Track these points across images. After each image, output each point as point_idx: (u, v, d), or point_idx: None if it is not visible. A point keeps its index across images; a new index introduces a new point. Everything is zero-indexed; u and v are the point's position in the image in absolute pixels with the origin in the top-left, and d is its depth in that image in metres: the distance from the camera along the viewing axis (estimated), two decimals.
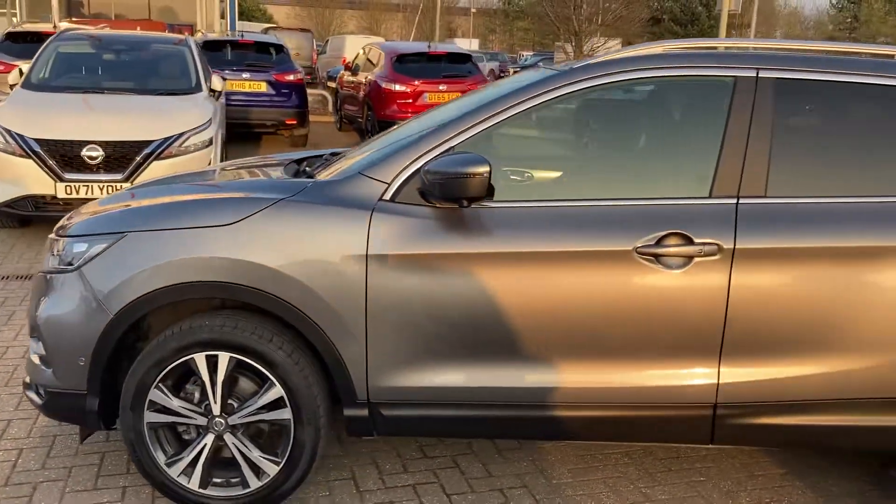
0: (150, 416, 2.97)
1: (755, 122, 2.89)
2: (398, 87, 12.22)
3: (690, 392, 2.90)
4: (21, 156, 6.64)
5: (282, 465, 3.00)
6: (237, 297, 2.88)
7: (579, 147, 3.60)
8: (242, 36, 14.03)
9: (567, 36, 30.12)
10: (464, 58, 13.31)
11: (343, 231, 2.85)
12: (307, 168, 3.55)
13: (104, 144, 6.69)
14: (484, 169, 2.70)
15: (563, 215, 2.87)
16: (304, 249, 2.85)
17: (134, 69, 8.36)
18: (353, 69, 14.68)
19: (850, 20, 61.65)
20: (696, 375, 2.89)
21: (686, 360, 2.88)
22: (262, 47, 13.29)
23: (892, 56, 3.20)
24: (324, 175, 3.18)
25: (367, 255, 2.84)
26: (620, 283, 2.82)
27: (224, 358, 2.91)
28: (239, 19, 44.25)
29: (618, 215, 2.86)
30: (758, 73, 2.94)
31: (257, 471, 3.02)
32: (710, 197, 2.88)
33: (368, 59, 13.90)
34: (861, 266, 2.81)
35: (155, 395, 2.94)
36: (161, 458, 3.01)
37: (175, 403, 2.96)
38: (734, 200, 2.85)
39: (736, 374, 2.88)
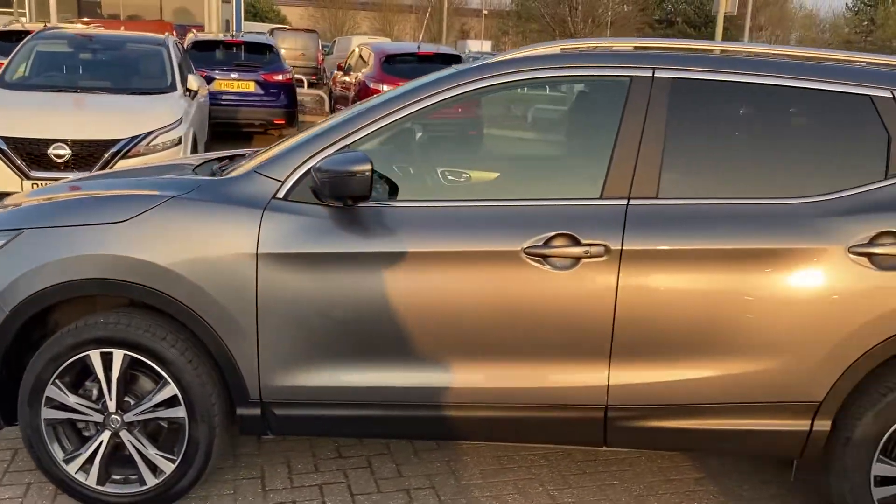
0: (47, 413, 2.97)
1: (649, 123, 2.87)
2: (385, 88, 12.22)
3: (581, 394, 2.87)
4: None
5: (177, 462, 3.01)
6: (128, 295, 2.89)
7: (475, 148, 3.58)
8: (233, 36, 14.09)
9: (564, 38, 30.12)
10: (453, 58, 13.30)
11: (234, 229, 2.85)
12: (220, 166, 3.55)
13: (71, 143, 6.73)
14: (365, 167, 2.70)
15: (454, 216, 2.86)
16: (194, 247, 2.85)
17: (110, 68, 8.40)
18: (345, 69, 14.72)
19: (866, 23, 61.07)
20: (587, 377, 2.86)
21: (576, 362, 2.86)
22: (252, 48, 13.35)
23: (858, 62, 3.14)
24: (227, 173, 3.18)
25: (257, 253, 2.83)
26: (509, 283, 2.80)
27: (118, 355, 2.92)
28: (253, 20, 44.49)
29: (508, 216, 2.84)
30: (653, 73, 2.91)
31: (154, 468, 3.02)
32: (600, 198, 2.85)
33: (361, 59, 13.93)
34: (750, 268, 2.77)
35: (52, 391, 2.95)
36: (59, 455, 3.02)
37: (71, 400, 2.97)
38: (625, 202, 2.83)
39: (625, 376, 2.85)
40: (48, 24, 11.61)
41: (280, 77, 12.70)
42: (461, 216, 2.86)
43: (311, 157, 2.91)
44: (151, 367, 2.94)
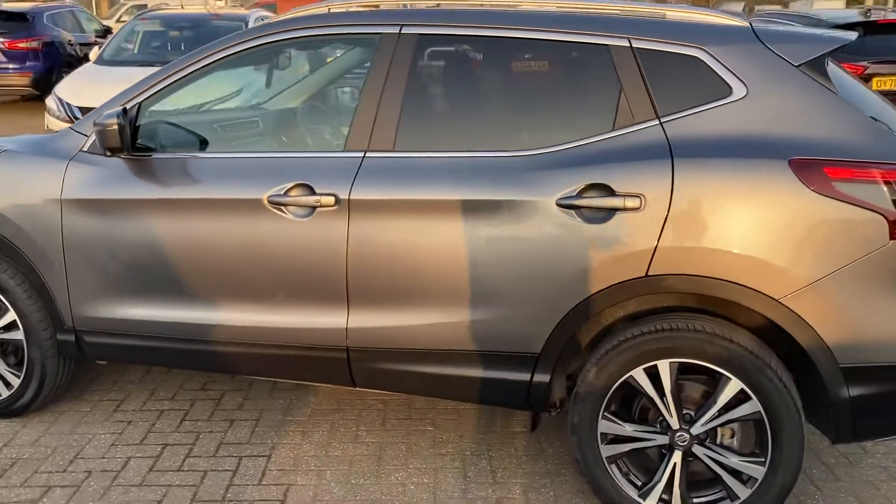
0: None
1: (391, 79, 2.95)
2: None
3: (326, 336, 3.05)
4: (67, 122, 7.66)
5: (21, 378, 3.52)
6: None
7: (241, 105, 3.77)
8: None
9: None
10: None
11: (45, 178, 3.30)
12: None
13: None
14: (110, 123, 3.02)
15: (214, 167, 3.12)
16: (17, 193, 3.34)
17: (195, 45, 9.22)
18: None
19: None
20: (329, 320, 3.03)
21: (319, 305, 3.03)
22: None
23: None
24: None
25: (61, 199, 3.25)
26: (256, 230, 3.03)
27: None
28: None
29: (258, 168, 3.07)
30: (400, 30, 2.99)
31: (7, 383, 3.55)
32: (343, 151, 3.00)
33: None
34: (469, 220, 2.80)
35: None
36: None
37: None
38: (361, 154, 2.96)
39: (361, 320, 2.99)
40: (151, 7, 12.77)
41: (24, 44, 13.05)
42: (219, 167, 3.12)
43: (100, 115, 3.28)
44: None
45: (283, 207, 2.98)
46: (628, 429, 2.82)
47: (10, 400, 3.57)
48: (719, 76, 2.73)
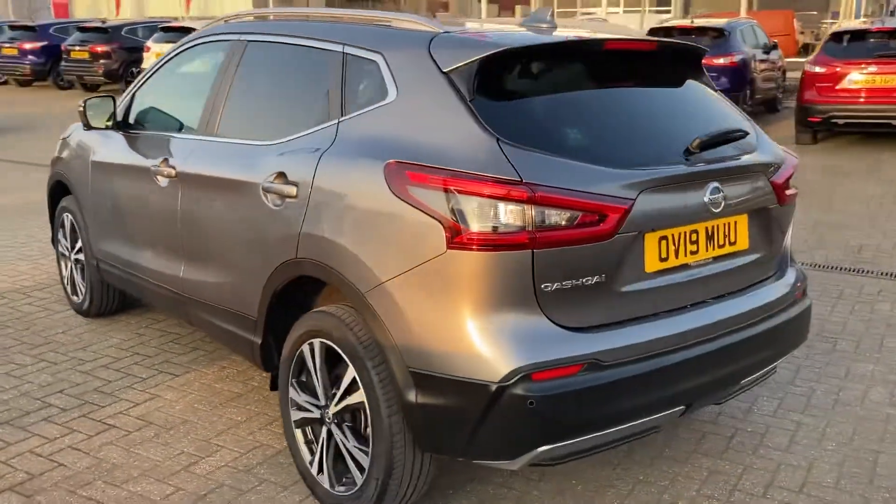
0: None
1: (222, 77, 3.62)
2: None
3: (174, 281, 3.83)
4: None
5: (84, 291, 4.92)
6: None
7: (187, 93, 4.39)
8: None
9: None
10: None
11: (88, 144, 4.61)
12: None
13: None
14: (81, 106, 4.18)
15: (142, 141, 4.11)
16: (73, 153, 4.72)
17: None
18: None
19: None
20: (176, 267, 3.81)
21: (172, 254, 3.83)
22: None
23: None
24: None
25: (90, 161, 4.52)
26: (149, 193, 3.93)
27: None
28: None
29: (155, 144, 3.98)
30: (240, 38, 3.61)
31: (76, 292, 4.99)
32: (194, 134, 3.74)
33: None
34: (229, 196, 3.38)
35: None
36: None
37: None
38: (197, 137, 3.69)
39: (187, 271, 3.72)
40: None
41: None
42: (143, 142, 4.08)
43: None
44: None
45: (156, 176, 3.83)
46: (300, 398, 3.09)
47: (77, 306, 5.03)
48: (384, 80, 2.85)
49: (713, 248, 2.86)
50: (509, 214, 2.41)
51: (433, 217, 2.49)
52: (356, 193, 2.76)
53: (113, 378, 4.22)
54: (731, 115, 3.17)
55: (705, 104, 3.16)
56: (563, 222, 2.45)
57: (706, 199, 2.75)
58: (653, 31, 13.22)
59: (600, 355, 2.52)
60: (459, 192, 2.45)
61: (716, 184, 2.77)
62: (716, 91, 3.30)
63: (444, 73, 2.70)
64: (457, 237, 2.44)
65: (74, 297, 5.10)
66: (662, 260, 2.71)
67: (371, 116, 2.86)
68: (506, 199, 2.41)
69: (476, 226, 2.43)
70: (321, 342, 2.93)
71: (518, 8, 32.95)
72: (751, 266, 3.03)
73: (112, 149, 4.35)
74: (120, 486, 3.22)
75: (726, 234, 2.90)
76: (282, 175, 3.04)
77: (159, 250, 3.93)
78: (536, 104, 2.78)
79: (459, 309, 2.48)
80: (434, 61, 2.74)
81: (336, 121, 2.97)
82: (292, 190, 2.97)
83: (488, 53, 2.66)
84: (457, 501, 3.12)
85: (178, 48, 4.12)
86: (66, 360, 4.44)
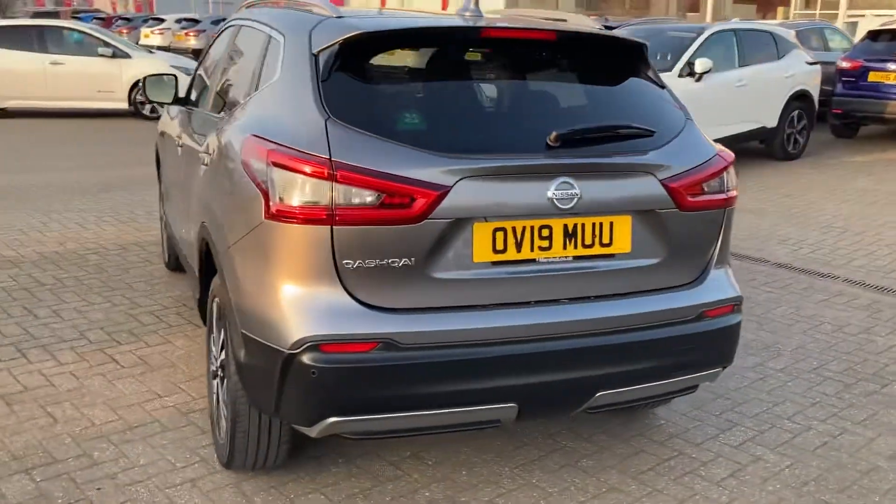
0: None
1: (218, 55, 3.96)
2: None
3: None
4: None
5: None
6: None
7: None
8: None
9: None
10: None
11: (165, 119, 5.20)
12: None
13: None
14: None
15: (187, 117, 4.54)
16: (162, 125, 5.34)
17: None
18: None
19: None
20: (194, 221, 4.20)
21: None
22: None
23: None
24: None
25: (161, 132, 5.11)
26: (185, 160, 4.37)
27: None
28: None
29: (192, 119, 4.36)
30: (239, 21, 3.92)
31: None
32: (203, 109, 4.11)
33: None
34: (193, 157, 3.71)
35: None
36: None
37: None
38: (192, 108, 4.07)
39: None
40: None
41: None
42: (186, 117, 4.51)
43: None
44: None
45: (178, 146, 4.29)
46: (213, 352, 3.36)
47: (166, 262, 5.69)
48: (278, 60, 3.01)
49: (574, 247, 2.72)
50: (310, 190, 2.50)
51: (259, 188, 2.64)
52: (226, 165, 2.97)
53: (148, 322, 4.76)
54: (646, 113, 2.96)
55: (618, 99, 2.99)
56: (366, 202, 2.50)
57: (550, 194, 2.63)
58: (873, 33, 11.94)
59: (398, 336, 2.53)
60: (275, 165, 2.57)
61: (565, 179, 2.64)
62: (659, 86, 3.09)
63: (312, 54, 2.81)
64: (269, 209, 2.58)
65: (164, 255, 5.77)
66: (498, 252, 2.63)
67: (262, 94, 3.04)
68: (308, 175, 2.50)
69: (282, 199, 2.54)
70: (216, 302, 3.18)
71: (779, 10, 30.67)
72: (639, 272, 2.84)
73: (167, 124, 4.89)
74: (78, 409, 3.68)
75: (596, 234, 2.74)
76: (206, 145, 3.34)
77: (184, 214, 4.38)
78: (383, 88, 2.82)
79: (271, 277, 2.61)
80: (309, 44, 2.87)
81: (249, 97, 3.19)
82: (206, 159, 3.26)
83: (346, 36, 2.74)
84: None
85: (217, 31, 4.55)
86: (125, 304, 5.05)
